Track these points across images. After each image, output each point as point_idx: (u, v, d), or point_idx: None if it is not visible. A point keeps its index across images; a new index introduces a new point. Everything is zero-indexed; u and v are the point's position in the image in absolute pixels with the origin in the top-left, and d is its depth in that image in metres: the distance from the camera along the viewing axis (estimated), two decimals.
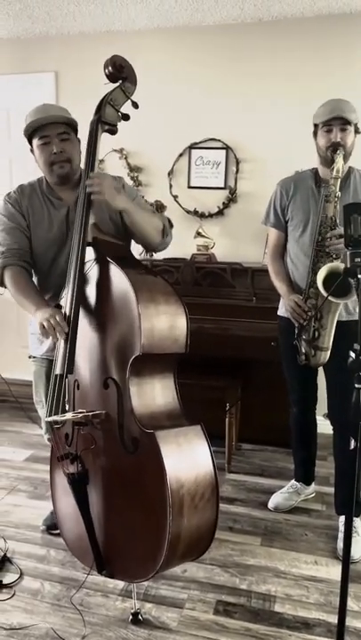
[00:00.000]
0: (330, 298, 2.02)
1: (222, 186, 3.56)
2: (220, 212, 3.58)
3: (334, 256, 2.14)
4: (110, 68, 1.79)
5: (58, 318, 1.74)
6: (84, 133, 2.03)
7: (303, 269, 2.29)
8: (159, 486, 1.49)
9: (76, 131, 2.04)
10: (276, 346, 2.71)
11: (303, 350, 2.25)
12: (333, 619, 1.89)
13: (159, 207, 2.15)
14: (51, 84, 3.80)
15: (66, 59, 3.77)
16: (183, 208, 3.59)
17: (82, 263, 1.75)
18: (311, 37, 3.29)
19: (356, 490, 1.56)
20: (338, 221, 2.12)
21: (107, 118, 1.83)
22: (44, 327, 1.77)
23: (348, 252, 1.56)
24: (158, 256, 3.43)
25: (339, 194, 2.12)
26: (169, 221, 2.07)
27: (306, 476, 2.65)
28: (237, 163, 3.51)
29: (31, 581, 2.08)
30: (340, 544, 2.29)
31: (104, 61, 1.84)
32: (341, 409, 2.27)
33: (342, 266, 2.02)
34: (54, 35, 3.76)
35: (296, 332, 2.27)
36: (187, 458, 1.57)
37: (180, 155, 3.60)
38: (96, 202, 1.80)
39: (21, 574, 2.11)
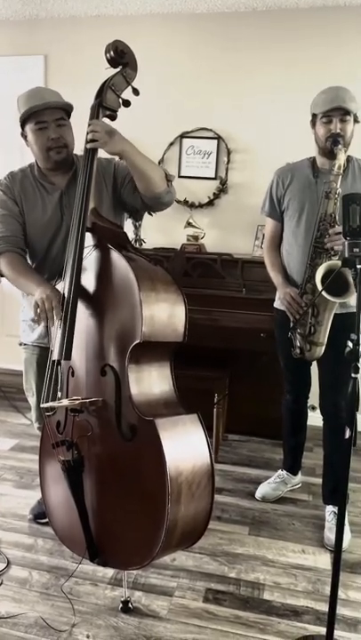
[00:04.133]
0: (327, 296, 2.03)
1: (213, 176, 3.54)
2: (211, 203, 3.57)
3: (333, 253, 2.13)
4: (112, 53, 1.75)
5: (54, 302, 1.70)
6: (72, 116, 2.01)
7: (298, 260, 2.29)
8: (158, 474, 1.48)
9: (70, 115, 2.00)
10: (267, 337, 2.73)
11: (298, 344, 2.26)
12: (321, 606, 1.93)
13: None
14: (40, 67, 3.73)
15: (56, 42, 3.70)
16: None
17: (82, 243, 1.72)
18: (305, 28, 3.28)
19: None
20: (337, 218, 2.12)
21: (108, 103, 1.79)
22: (37, 306, 1.72)
23: (346, 243, 1.56)
24: (147, 245, 3.43)
25: (339, 190, 2.10)
26: (169, 173, 1.98)
27: (294, 464, 2.67)
28: (228, 153, 3.50)
29: (19, 570, 2.06)
30: (328, 533, 2.31)
31: (98, 44, 1.80)
32: (333, 402, 2.30)
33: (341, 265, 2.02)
34: (44, 17, 3.68)
35: (291, 325, 2.27)
36: (185, 446, 1.57)
37: (171, 144, 3.58)
38: (95, 182, 1.76)
39: (8, 563, 2.09)
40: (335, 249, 2.12)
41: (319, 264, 2.14)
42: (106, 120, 1.83)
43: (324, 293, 2.03)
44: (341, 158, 2.09)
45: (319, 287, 2.06)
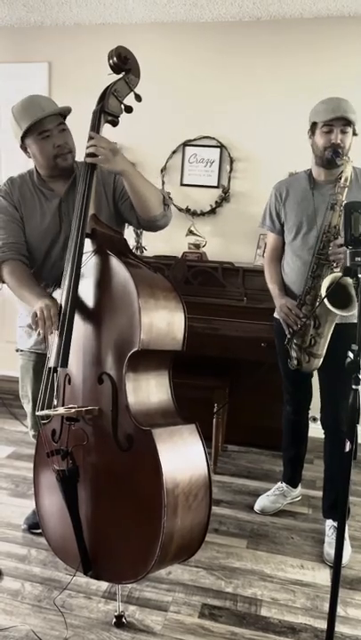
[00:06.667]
0: (330, 307, 2.00)
1: (215, 184, 3.53)
2: (213, 211, 3.55)
3: (335, 265, 2.11)
4: (115, 59, 1.74)
5: (52, 312, 1.70)
6: (76, 124, 1.99)
7: (296, 272, 2.28)
8: (155, 485, 1.45)
9: (65, 118, 1.98)
10: (267, 346, 2.70)
11: (294, 355, 2.24)
12: (320, 624, 1.88)
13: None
14: (44, 74, 3.74)
15: (60, 49, 3.71)
16: (175, 206, 3.54)
17: (81, 249, 1.70)
18: (309, 38, 3.28)
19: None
20: (341, 231, 2.09)
21: (110, 109, 1.77)
22: (35, 316, 1.72)
23: (347, 251, 1.54)
24: (149, 253, 3.42)
25: (345, 202, 2.08)
26: (168, 196, 1.98)
27: (293, 476, 2.63)
28: (231, 162, 3.49)
29: (11, 582, 2.02)
30: (327, 548, 2.27)
31: (103, 52, 1.78)
32: (333, 414, 2.27)
33: (348, 279, 1.99)
34: (49, 25, 3.69)
35: (288, 336, 2.25)
36: (182, 457, 1.54)
37: (174, 152, 3.57)
38: (96, 192, 1.75)
39: (1, 574, 2.05)
40: (338, 258, 2.09)
41: (322, 275, 2.12)
42: (107, 126, 1.82)
43: (327, 304, 2.00)
44: (348, 170, 2.07)
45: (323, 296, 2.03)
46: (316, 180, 2.25)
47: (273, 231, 2.39)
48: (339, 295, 1.99)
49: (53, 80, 3.76)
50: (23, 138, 1.93)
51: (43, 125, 1.89)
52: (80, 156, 1.99)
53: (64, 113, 1.95)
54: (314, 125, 2.18)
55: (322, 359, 2.21)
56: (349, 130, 2.12)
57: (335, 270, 2.12)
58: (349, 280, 1.98)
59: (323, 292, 2.04)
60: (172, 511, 1.47)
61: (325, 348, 2.18)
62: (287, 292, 2.33)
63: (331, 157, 2.10)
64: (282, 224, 2.34)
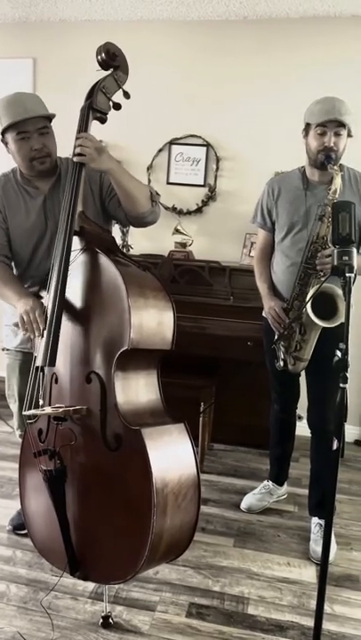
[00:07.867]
0: (314, 319, 2.02)
1: (202, 183, 3.53)
2: (199, 210, 3.55)
3: (322, 274, 2.11)
4: (103, 55, 1.72)
5: (37, 313, 1.70)
6: (60, 121, 1.97)
7: (284, 272, 2.29)
8: (144, 485, 1.44)
9: (51, 121, 1.96)
10: (254, 345, 2.70)
11: (282, 356, 2.25)
12: (307, 621, 1.89)
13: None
14: (29, 70, 3.69)
15: (45, 45, 3.67)
16: (162, 204, 3.51)
17: (69, 247, 1.68)
18: (295, 38, 3.29)
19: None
20: (329, 241, 2.09)
21: (98, 106, 1.75)
22: (23, 320, 1.74)
23: (335, 251, 1.54)
24: (135, 252, 3.40)
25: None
26: (155, 193, 1.94)
27: (280, 474, 2.64)
28: (218, 160, 3.48)
29: None
30: (313, 545, 2.29)
31: (88, 49, 1.77)
32: (320, 413, 2.28)
33: (336, 290, 2.00)
34: (34, 21, 3.65)
35: (275, 337, 2.26)
36: (172, 456, 1.53)
37: (160, 150, 3.56)
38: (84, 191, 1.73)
39: None
40: (325, 268, 2.10)
41: (308, 284, 2.13)
42: (96, 123, 1.80)
43: (312, 316, 2.01)
44: (337, 182, 2.05)
45: (310, 310, 2.04)
46: (310, 179, 2.24)
47: (264, 228, 2.39)
48: (326, 306, 2.00)
49: (38, 76, 3.71)
50: (3, 133, 1.92)
51: (23, 126, 1.86)
52: (64, 153, 1.98)
53: (47, 117, 1.92)
54: (308, 126, 2.15)
55: (307, 363, 2.23)
56: (343, 132, 2.10)
57: (322, 280, 2.12)
58: (338, 291, 1.99)
59: (308, 304, 2.05)
60: (162, 511, 1.46)
61: (311, 352, 2.20)
62: (275, 292, 2.34)
63: (323, 161, 2.09)
64: (273, 222, 2.33)
